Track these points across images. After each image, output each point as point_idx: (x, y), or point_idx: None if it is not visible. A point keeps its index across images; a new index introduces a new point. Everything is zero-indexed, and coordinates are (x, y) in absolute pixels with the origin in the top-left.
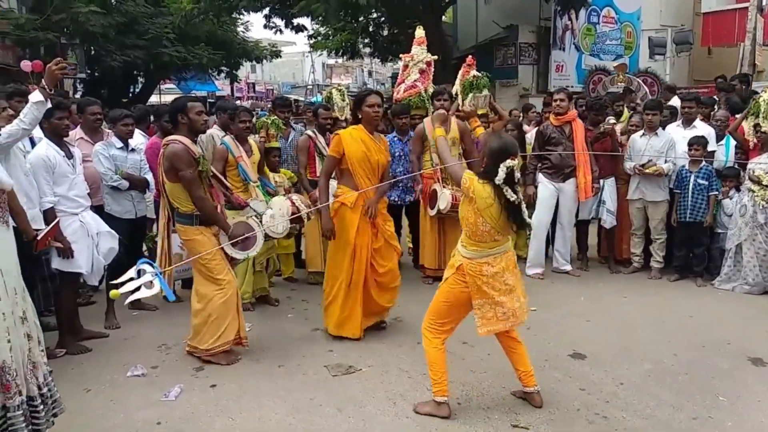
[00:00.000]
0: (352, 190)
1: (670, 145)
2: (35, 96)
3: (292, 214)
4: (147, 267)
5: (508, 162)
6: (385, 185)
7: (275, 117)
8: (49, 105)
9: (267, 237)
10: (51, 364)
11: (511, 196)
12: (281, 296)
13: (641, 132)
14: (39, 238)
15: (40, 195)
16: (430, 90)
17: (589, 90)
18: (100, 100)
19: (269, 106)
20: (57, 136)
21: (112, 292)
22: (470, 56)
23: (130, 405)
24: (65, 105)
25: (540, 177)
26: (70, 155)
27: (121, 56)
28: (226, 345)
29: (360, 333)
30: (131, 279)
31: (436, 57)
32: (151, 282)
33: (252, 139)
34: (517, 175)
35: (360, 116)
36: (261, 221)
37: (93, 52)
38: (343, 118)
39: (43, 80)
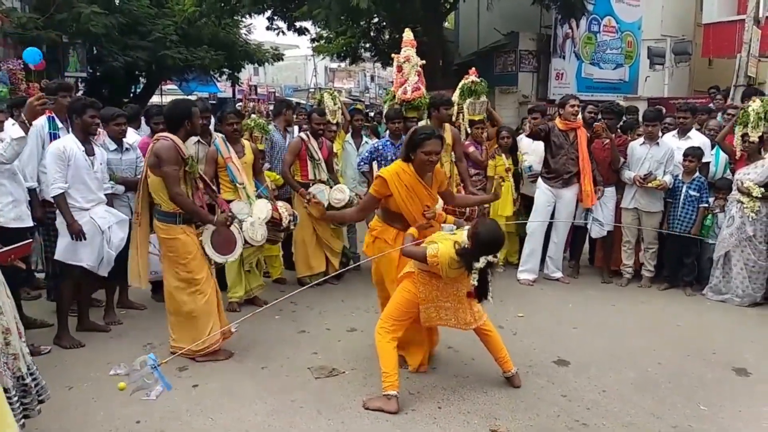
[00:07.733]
0: (388, 226)
1: (670, 155)
2: (16, 132)
3: (272, 218)
4: (149, 360)
5: (491, 257)
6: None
7: (259, 119)
8: (27, 141)
9: (246, 243)
10: (36, 360)
11: (474, 282)
12: (269, 298)
13: (641, 141)
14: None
15: (51, 182)
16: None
17: None
18: (101, 99)
19: (270, 109)
20: (85, 133)
21: (120, 385)
22: (473, 68)
23: (111, 403)
24: (97, 105)
25: (539, 182)
26: (91, 153)
27: (123, 57)
28: (216, 344)
29: (426, 367)
30: (135, 370)
31: (424, 62)
32: (151, 374)
33: (247, 141)
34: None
35: (412, 157)
36: (241, 227)
37: (95, 52)
38: (334, 121)
39: (23, 114)
